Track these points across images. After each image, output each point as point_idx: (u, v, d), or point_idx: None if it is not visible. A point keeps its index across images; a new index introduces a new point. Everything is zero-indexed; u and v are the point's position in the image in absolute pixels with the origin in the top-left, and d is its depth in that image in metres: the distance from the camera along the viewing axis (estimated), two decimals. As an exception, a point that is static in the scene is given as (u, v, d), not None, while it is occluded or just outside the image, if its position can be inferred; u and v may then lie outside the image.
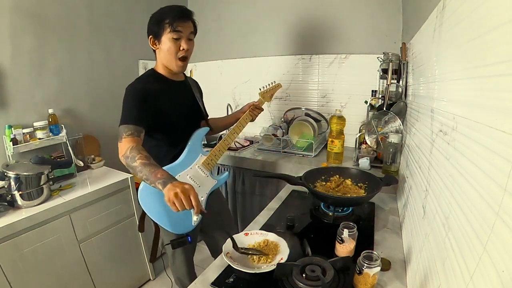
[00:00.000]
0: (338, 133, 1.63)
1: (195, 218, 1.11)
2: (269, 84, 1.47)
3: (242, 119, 1.35)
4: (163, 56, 1.13)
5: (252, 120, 1.41)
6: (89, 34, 1.84)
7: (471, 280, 0.42)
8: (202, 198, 1.19)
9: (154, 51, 1.16)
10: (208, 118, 1.40)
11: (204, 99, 1.40)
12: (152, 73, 1.18)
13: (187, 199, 0.86)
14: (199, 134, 1.24)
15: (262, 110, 1.44)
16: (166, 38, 1.09)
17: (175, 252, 1.26)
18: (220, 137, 2.10)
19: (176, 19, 1.07)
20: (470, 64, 0.54)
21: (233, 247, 0.94)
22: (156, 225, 1.16)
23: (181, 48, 1.11)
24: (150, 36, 1.13)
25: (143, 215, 1.19)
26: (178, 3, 1.14)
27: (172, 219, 1.11)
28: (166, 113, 1.14)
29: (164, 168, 1.00)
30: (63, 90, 1.73)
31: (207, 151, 1.24)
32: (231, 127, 1.38)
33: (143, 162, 0.96)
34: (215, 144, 1.38)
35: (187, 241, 1.11)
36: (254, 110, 1.40)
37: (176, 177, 1.01)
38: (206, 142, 2.08)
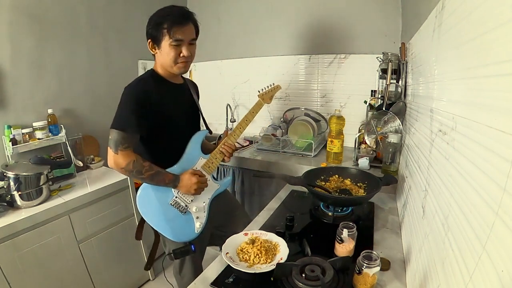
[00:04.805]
0: (337, 133, 1.63)
1: (197, 225, 1.09)
2: (268, 86, 1.42)
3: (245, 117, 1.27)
4: (163, 61, 1.08)
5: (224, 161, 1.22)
6: (89, 34, 1.83)
7: (471, 280, 0.42)
8: (204, 204, 1.15)
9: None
10: None
11: (203, 100, 1.38)
12: (152, 74, 1.12)
13: (198, 184, 1.09)
14: (199, 137, 1.18)
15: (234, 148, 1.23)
16: (166, 45, 1.03)
17: (184, 261, 1.20)
18: (219, 137, 2.09)
19: (175, 24, 1.00)
20: (470, 64, 0.54)
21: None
22: (156, 232, 1.11)
23: (181, 55, 1.05)
24: (149, 40, 1.07)
25: (141, 222, 1.15)
26: (178, 4, 1.11)
27: (173, 226, 1.08)
28: (166, 116, 1.10)
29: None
30: (62, 90, 1.73)
31: (208, 154, 1.19)
32: (234, 128, 1.33)
33: (150, 174, 1.03)
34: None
35: (190, 250, 1.05)
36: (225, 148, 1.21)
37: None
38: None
